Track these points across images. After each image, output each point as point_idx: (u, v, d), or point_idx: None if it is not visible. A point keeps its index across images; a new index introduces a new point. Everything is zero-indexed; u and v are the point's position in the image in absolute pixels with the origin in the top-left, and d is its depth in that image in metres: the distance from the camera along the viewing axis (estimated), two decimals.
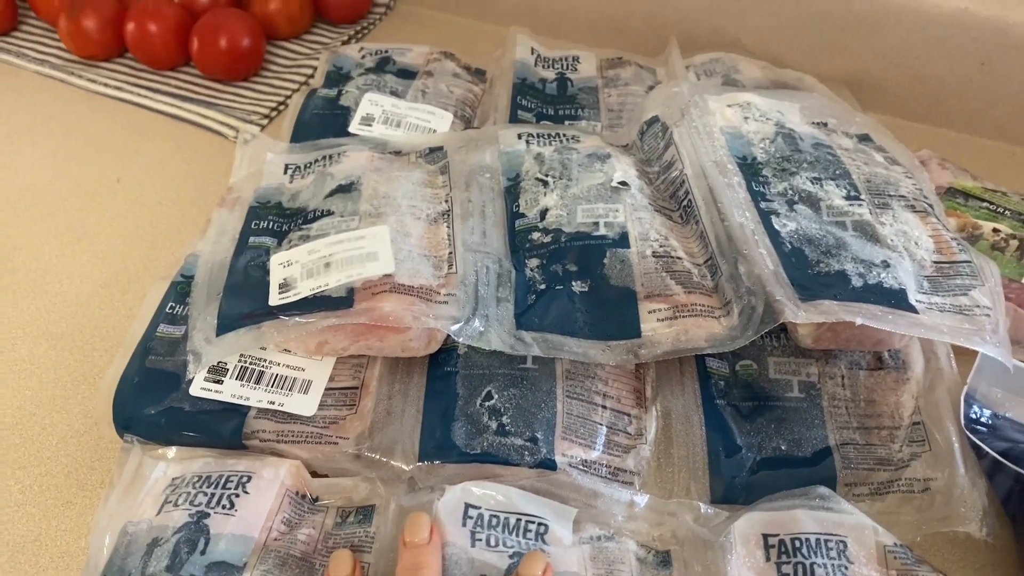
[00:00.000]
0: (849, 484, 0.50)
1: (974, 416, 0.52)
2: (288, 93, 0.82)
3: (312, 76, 0.83)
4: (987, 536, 0.48)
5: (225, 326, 0.49)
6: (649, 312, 0.51)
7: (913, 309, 0.50)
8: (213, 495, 0.46)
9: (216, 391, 0.50)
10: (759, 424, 0.52)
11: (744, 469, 0.50)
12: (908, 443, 0.52)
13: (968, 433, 0.50)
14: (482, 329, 0.49)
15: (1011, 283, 0.60)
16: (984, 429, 0.52)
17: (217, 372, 0.51)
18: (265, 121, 0.78)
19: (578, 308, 0.52)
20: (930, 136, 0.81)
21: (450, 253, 0.53)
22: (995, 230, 0.63)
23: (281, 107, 0.80)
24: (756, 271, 0.50)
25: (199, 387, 0.50)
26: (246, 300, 0.50)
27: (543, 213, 0.57)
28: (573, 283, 0.53)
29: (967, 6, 0.74)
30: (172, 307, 0.55)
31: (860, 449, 0.51)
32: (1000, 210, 0.65)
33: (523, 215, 0.57)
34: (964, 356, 0.54)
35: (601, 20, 0.88)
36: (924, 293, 0.51)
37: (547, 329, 0.51)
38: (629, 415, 0.52)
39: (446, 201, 0.57)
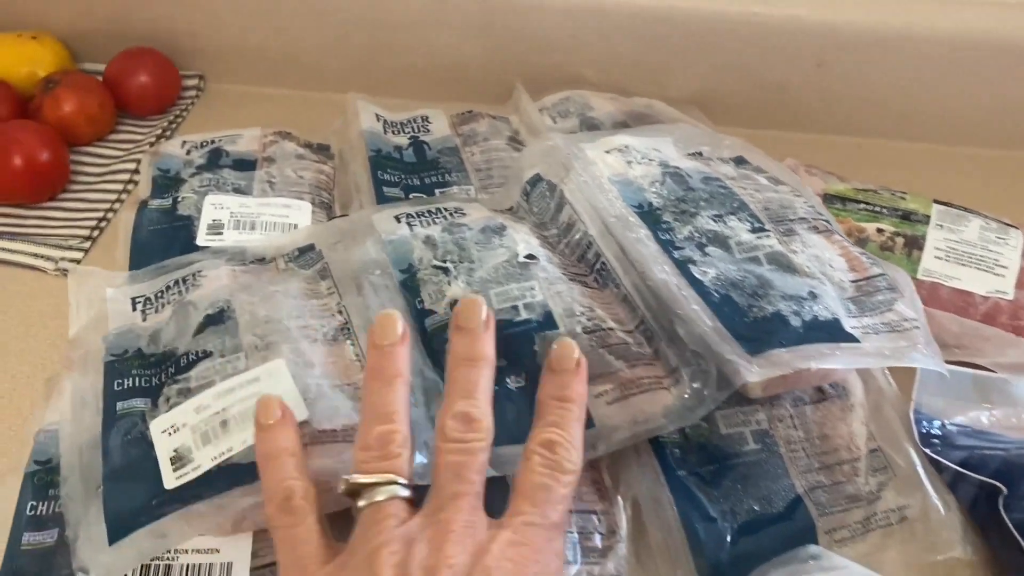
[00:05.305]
0: (829, 531, 0.48)
1: (925, 431, 0.51)
2: (107, 206, 0.71)
3: (130, 181, 0.73)
4: (972, 555, 0.47)
5: (119, 530, 0.40)
6: (596, 397, 0.47)
7: (852, 338, 0.48)
8: None
9: None
10: (725, 488, 0.49)
11: (725, 542, 0.47)
12: (872, 472, 0.50)
13: (926, 450, 0.50)
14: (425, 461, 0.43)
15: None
16: (937, 442, 0.51)
17: None
18: (87, 244, 0.68)
19: (518, 407, 0.46)
20: (781, 141, 0.81)
21: None
22: (879, 230, 0.64)
23: (102, 223, 0.70)
24: (696, 330, 0.47)
25: None
26: (135, 489, 0.41)
27: (452, 305, 0.51)
28: (507, 379, 0.47)
29: (797, 12, 0.75)
30: (34, 507, 0.45)
31: (828, 490, 0.49)
32: (877, 209, 0.65)
33: (431, 311, 0.51)
34: (894, 368, 0.54)
35: (436, 72, 0.83)
36: (854, 317, 0.50)
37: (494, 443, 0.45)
38: (596, 512, 0.47)
39: (340, 312, 0.51)
